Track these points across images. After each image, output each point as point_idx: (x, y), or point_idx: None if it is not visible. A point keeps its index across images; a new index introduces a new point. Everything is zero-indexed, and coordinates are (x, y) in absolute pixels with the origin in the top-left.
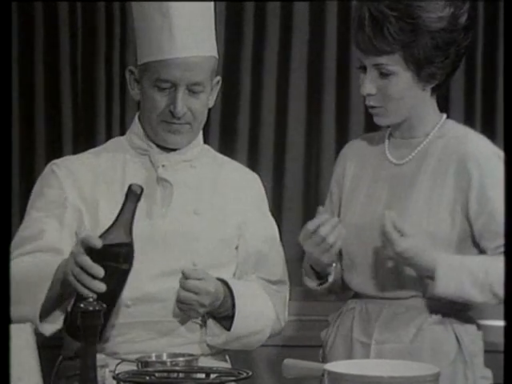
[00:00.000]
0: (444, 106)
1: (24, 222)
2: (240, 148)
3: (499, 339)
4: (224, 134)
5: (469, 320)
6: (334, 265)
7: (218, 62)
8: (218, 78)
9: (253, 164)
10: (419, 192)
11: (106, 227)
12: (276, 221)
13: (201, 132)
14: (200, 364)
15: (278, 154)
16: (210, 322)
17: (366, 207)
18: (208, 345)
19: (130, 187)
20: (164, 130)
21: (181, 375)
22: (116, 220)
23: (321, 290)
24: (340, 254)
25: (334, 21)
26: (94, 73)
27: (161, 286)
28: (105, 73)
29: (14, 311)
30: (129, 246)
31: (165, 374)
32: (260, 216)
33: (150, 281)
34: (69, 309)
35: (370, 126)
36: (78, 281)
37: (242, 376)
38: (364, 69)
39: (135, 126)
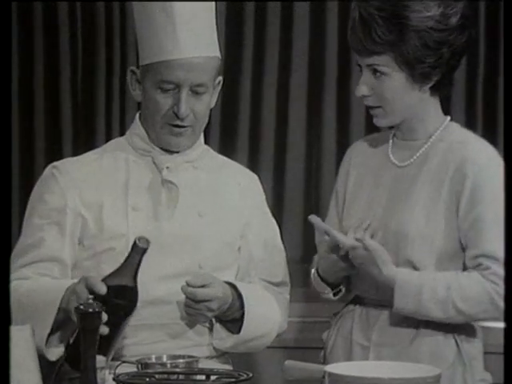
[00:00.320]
0: (445, 108)
1: (25, 229)
2: (240, 148)
3: (499, 341)
4: (224, 134)
5: (467, 323)
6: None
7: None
8: (220, 78)
9: (253, 164)
10: (418, 195)
11: (111, 233)
12: (276, 221)
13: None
14: (200, 366)
15: (279, 154)
16: (217, 325)
17: (366, 209)
18: (215, 347)
19: (136, 241)
20: (167, 132)
21: (181, 377)
22: (121, 266)
23: (336, 299)
24: None
25: (334, 21)
26: (94, 72)
27: (168, 289)
28: (105, 73)
29: None
30: (133, 291)
31: (165, 376)
32: (262, 217)
33: (157, 283)
34: (71, 341)
35: (371, 127)
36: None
37: (242, 378)
38: (361, 67)
39: (136, 127)
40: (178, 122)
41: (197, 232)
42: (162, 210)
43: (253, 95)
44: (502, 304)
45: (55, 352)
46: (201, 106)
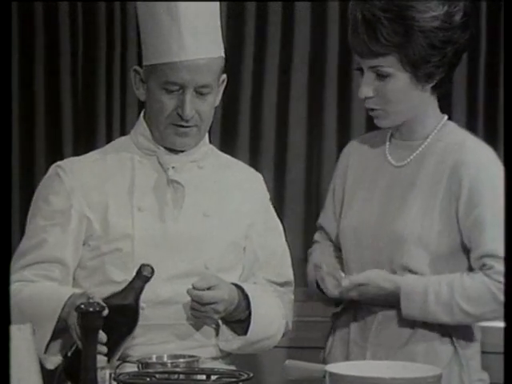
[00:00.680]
0: (446, 107)
1: (28, 229)
2: (241, 147)
3: (498, 340)
4: (225, 133)
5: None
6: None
7: None
8: (224, 76)
9: (254, 163)
10: (415, 196)
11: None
12: None
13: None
14: (201, 365)
15: (280, 153)
16: (223, 327)
17: (363, 209)
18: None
19: (140, 269)
20: (172, 132)
21: (181, 377)
22: (124, 289)
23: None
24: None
25: (335, 20)
26: (95, 72)
27: (174, 289)
28: (105, 72)
29: None
30: (134, 311)
31: (165, 376)
32: (266, 217)
33: (163, 284)
34: (69, 353)
35: (372, 126)
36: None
37: (242, 377)
38: (361, 71)
39: (141, 127)
40: (183, 123)
41: (202, 232)
42: (168, 211)
43: (253, 95)
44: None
45: (53, 360)
46: (205, 107)
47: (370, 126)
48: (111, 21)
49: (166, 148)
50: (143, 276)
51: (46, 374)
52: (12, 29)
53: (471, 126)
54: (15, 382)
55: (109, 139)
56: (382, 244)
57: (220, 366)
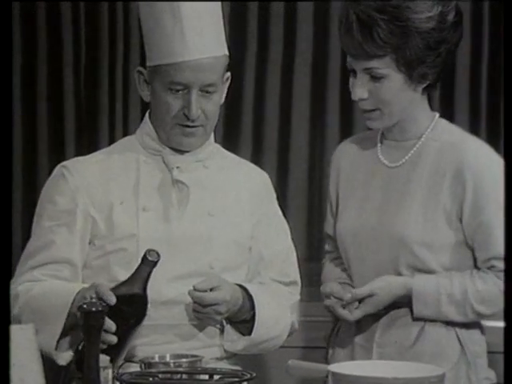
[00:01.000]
0: (449, 107)
1: (35, 230)
2: (244, 147)
3: (498, 340)
4: (228, 132)
5: (471, 321)
6: None
7: None
8: (228, 73)
9: (257, 163)
10: (414, 197)
11: (122, 236)
12: None
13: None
14: (204, 365)
15: (282, 153)
16: (228, 327)
17: (360, 212)
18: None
19: (145, 254)
20: (178, 133)
21: (184, 376)
22: (131, 276)
23: None
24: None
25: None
26: (97, 72)
27: (179, 290)
28: (108, 72)
29: None
30: (142, 300)
31: (168, 375)
32: (272, 216)
33: (168, 284)
34: (80, 347)
35: None
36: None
37: (245, 377)
38: (354, 73)
39: (147, 127)
40: (189, 123)
41: (207, 232)
42: (173, 211)
43: (256, 95)
44: None
45: (65, 356)
46: (211, 106)
47: None
48: (113, 21)
49: (171, 148)
50: (149, 261)
51: (49, 374)
52: (15, 29)
53: (473, 127)
54: (17, 381)
55: (111, 139)
56: (384, 245)
57: (225, 366)
